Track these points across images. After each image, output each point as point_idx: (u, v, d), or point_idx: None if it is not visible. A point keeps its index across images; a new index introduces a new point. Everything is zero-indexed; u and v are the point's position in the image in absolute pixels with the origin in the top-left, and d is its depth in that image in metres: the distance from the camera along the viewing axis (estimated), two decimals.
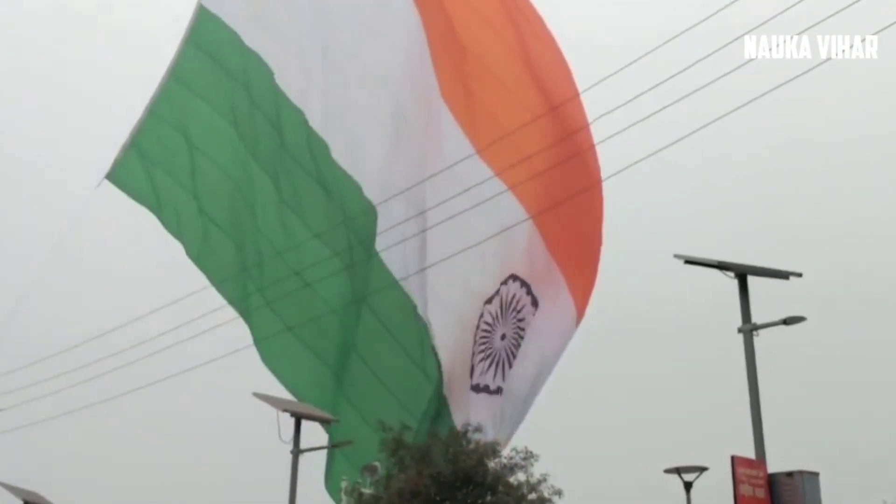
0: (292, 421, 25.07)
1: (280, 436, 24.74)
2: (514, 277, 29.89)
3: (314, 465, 26.60)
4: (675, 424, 50.68)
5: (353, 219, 29.19)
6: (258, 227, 29.87)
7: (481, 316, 29.08)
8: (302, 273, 29.03)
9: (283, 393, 28.13)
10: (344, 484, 24.77)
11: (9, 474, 32.57)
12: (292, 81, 30.01)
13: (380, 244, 28.72)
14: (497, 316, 29.48)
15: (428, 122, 29.68)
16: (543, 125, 30.00)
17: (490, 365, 29.31)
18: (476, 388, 29.02)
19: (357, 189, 29.23)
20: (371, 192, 29.18)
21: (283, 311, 29.30)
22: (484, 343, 29.16)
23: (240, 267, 29.74)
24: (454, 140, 29.33)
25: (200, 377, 30.97)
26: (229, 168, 30.20)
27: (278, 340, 28.99)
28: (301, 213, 29.71)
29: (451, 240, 28.28)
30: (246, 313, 29.55)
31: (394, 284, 28.73)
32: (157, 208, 30.01)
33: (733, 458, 21.77)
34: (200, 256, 29.82)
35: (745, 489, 21.59)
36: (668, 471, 25.92)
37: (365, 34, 30.37)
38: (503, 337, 29.62)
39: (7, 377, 34.59)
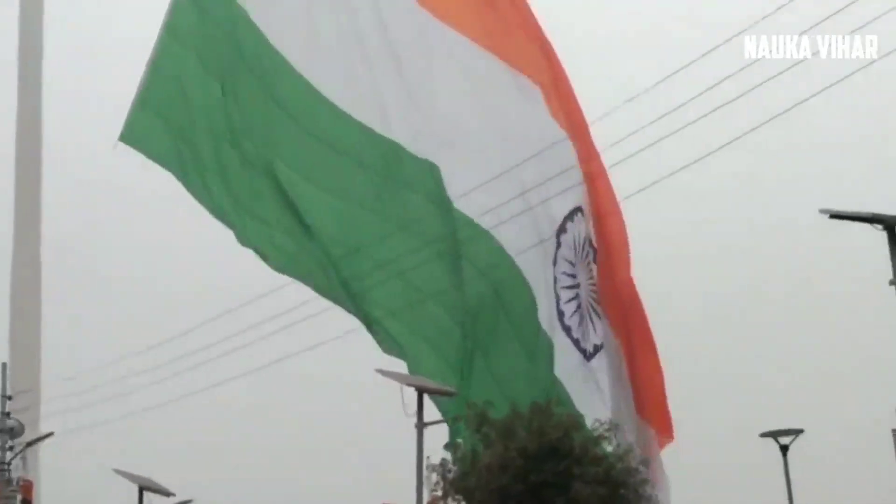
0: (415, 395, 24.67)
1: (404, 410, 24.44)
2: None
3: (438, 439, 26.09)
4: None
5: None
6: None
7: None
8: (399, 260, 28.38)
9: (404, 368, 27.72)
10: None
11: (121, 461, 32.45)
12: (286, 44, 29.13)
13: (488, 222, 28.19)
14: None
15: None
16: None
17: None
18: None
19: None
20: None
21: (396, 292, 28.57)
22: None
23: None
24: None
25: (317, 356, 30.79)
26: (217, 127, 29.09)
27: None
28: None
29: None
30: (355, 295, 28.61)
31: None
32: (177, 168, 29.18)
33: None
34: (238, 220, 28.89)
35: None
36: (763, 434, 26.71)
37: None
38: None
39: (117, 365, 34.68)
